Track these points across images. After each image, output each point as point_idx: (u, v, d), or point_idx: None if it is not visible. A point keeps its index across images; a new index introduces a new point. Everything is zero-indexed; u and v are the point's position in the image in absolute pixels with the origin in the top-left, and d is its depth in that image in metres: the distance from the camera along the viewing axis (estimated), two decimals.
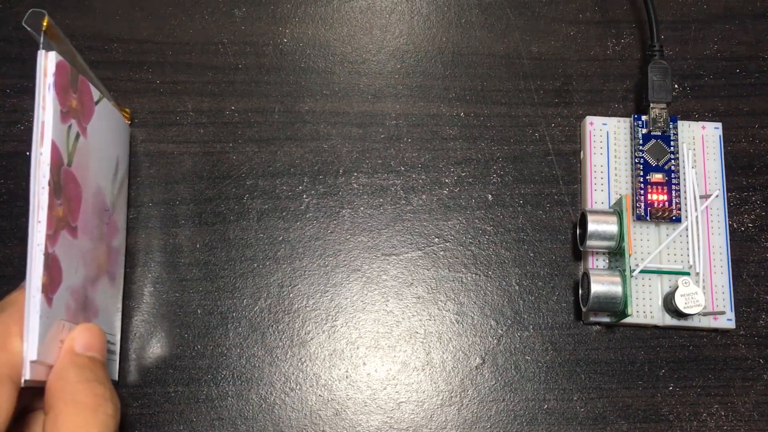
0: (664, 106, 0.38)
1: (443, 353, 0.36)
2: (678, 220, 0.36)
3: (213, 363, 0.35)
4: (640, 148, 0.37)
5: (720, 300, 0.36)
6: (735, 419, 0.35)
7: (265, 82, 0.40)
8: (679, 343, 0.36)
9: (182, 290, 0.36)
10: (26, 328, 0.25)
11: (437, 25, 0.41)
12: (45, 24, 0.27)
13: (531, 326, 0.36)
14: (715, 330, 0.36)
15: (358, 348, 0.36)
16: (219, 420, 0.35)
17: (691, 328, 0.36)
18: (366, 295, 0.37)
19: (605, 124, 0.38)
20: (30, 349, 0.25)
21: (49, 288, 0.26)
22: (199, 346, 0.36)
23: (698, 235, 0.36)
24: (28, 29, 0.27)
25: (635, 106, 0.40)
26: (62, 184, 0.27)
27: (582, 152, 0.39)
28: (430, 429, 0.35)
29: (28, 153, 0.38)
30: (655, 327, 0.36)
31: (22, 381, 0.24)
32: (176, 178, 0.38)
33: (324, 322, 0.36)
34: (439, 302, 0.37)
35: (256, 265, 0.37)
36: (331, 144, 0.39)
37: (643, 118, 0.38)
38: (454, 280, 0.37)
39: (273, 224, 0.38)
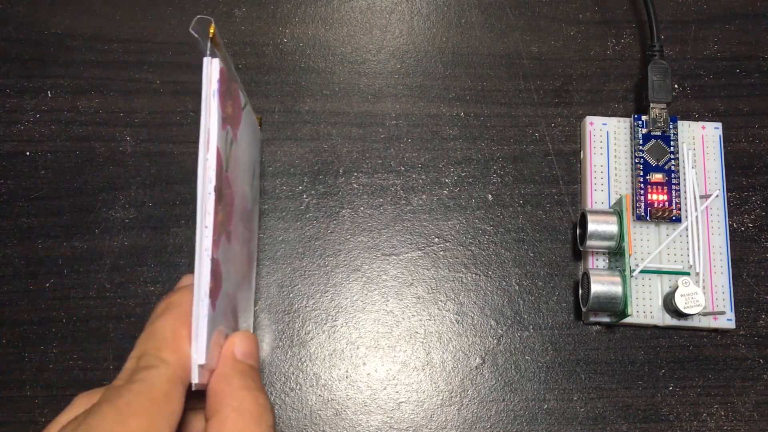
0: (664, 106, 0.38)
1: (443, 353, 0.36)
2: (678, 220, 0.36)
3: None
4: (640, 148, 0.37)
5: (720, 300, 0.36)
6: (735, 419, 0.35)
7: (265, 82, 0.40)
8: (679, 343, 0.36)
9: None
10: (195, 333, 0.25)
11: (437, 25, 0.41)
12: (212, 31, 0.27)
13: (531, 326, 0.36)
14: (715, 330, 0.36)
15: (358, 348, 0.36)
16: None
17: (691, 328, 0.36)
18: (366, 295, 0.37)
19: (605, 124, 0.38)
20: (199, 354, 0.24)
21: (214, 293, 0.26)
22: None
23: (698, 235, 0.36)
24: (195, 35, 0.27)
25: (635, 106, 0.40)
26: (223, 190, 0.27)
27: (582, 152, 0.39)
28: (430, 429, 0.35)
29: (28, 153, 0.38)
30: (655, 327, 0.36)
31: (193, 385, 0.24)
32: (176, 178, 0.38)
33: (324, 322, 0.36)
34: (439, 302, 0.37)
35: (256, 265, 0.37)
36: (331, 144, 0.39)
37: (643, 118, 0.38)
38: (454, 280, 0.37)
39: (273, 224, 0.38)
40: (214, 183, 0.26)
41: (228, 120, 0.28)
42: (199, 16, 0.27)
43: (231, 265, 0.29)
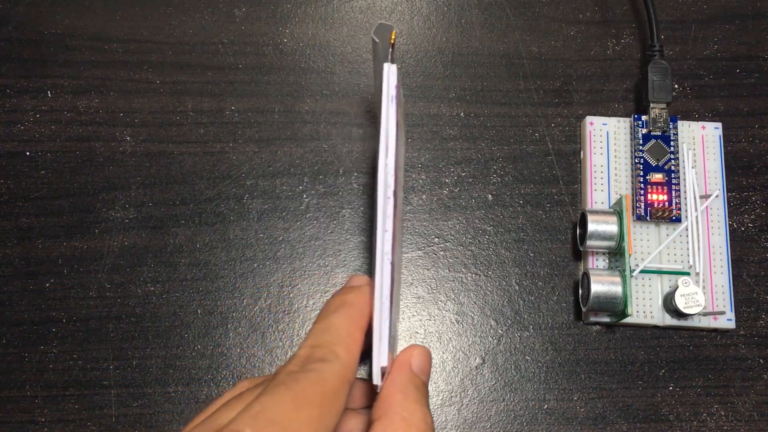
0: (664, 106, 0.38)
1: (443, 353, 0.36)
2: (678, 220, 0.36)
3: (213, 363, 0.35)
4: (640, 148, 0.37)
5: (720, 300, 0.36)
6: (735, 419, 0.35)
7: (265, 82, 0.40)
8: (679, 343, 0.36)
9: (182, 290, 0.36)
10: (377, 336, 0.25)
11: (437, 25, 0.41)
12: (393, 38, 0.27)
13: (531, 326, 0.36)
14: (715, 330, 0.36)
15: None
16: None
17: (691, 328, 0.36)
18: None
19: (605, 124, 0.38)
20: (381, 356, 0.25)
21: (391, 297, 0.26)
22: (199, 346, 0.36)
23: (698, 235, 0.36)
24: (376, 40, 0.27)
25: (635, 106, 0.40)
26: (397, 194, 0.27)
27: (582, 152, 0.39)
28: None
29: (28, 153, 0.38)
30: (655, 327, 0.36)
31: (377, 387, 0.25)
32: (176, 178, 0.38)
33: None
34: (439, 302, 0.37)
35: (256, 265, 0.37)
36: (331, 144, 0.39)
37: (643, 118, 0.38)
38: (454, 280, 0.37)
39: (273, 224, 0.38)
40: (392, 187, 0.26)
41: (398, 125, 0.28)
42: (381, 22, 0.27)
43: (395, 268, 0.29)
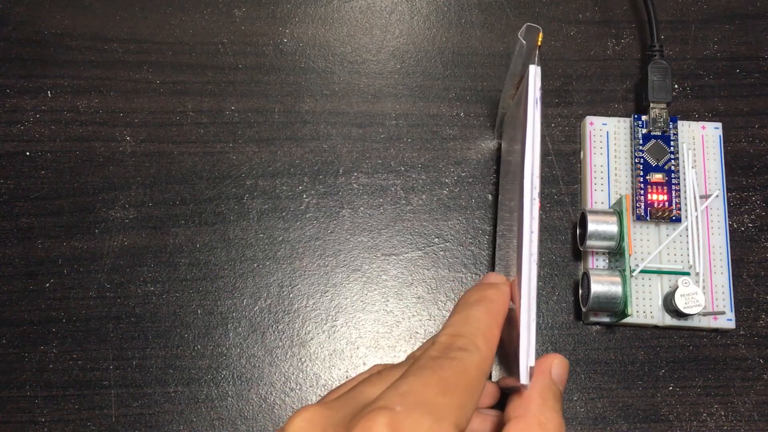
0: (664, 106, 0.38)
1: None
2: (678, 220, 0.36)
3: (213, 363, 0.35)
4: (640, 148, 0.37)
5: (720, 300, 0.36)
6: (735, 419, 0.35)
7: (265, 82, 0.40)
8: (679, 343, 0.36)
9: (182, 290, 0.36)
10: (524, 335, 0.25)
11: (437, 25, 0.41)
12: (540, 39, 0.27)
13: None
14: (715, 330, 0.36)
15: (358, 348, 0.36)
16: (219, 420, 0.35)
17: (691, 328, 0.36)
18: (366, 295, 0.37)
19: (605, 124, 0.38)
20: (530, 356, 0.25)
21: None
22: (199, 346, 0.36)
23: (698, 235, 0.36)
24: (523, 42, 0.27)
25: (635, 106, 0.40)
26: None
27: (582, 152, 0.39)
28: None
29: (28, 153, 0.38)
30: (655, 327, 0.36)
31: (524, 387, 0.25)
32: (176, 178, 0.38)
33: (324, 322, 0.36)
34: (439, 302, 0.37)
35: (256, 265, 0.37)
36: (331, 144, 0.39)
37: (643, 118, 0.38)
38: (454, 280, 0.37)
39: (273, 224, 0.38)
40: (538, 189, 0.26)
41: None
42: (528, 24, 0.27)
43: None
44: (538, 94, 0.27)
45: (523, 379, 0.25)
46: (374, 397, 0.22)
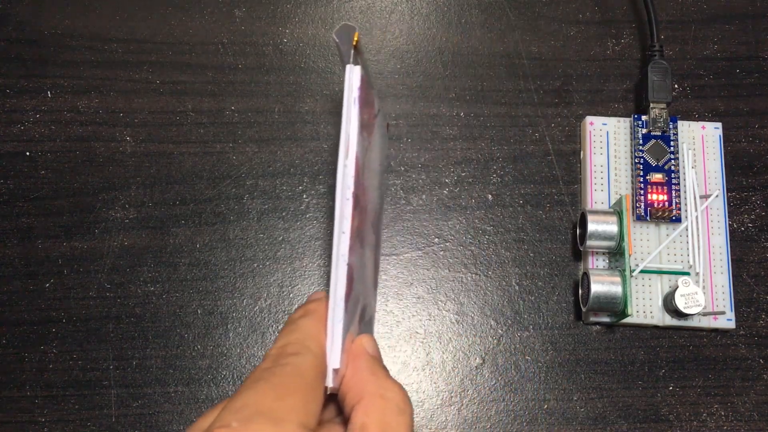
0: (664, 106, 0.38)
1: (443, 353, 0.36)
2: (678, 220, 0.36)
3: (213, 363, 0.35)
4: (640, 148, 0.37)
5: (720, 300, 0.36)
6: (735, 419, 0.35)
7: (265, 82, 0.40)
8: (679, 343, 0.36)
9: (182, 290, 0.36)
10: (330, 337, 0.25)
11: (437, 25, 0.41)
12: (356, 39, 0.27)
13: (531, 326, 0.36)
14: (715, 330, 0.36)
15: None
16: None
17: (691, 328, 0.36)
18: None
19: (605, 124, 0.38)
20: (334, 358, 0.25)
21: (347, 298, 0.26)
22: (199, 346, 0.36)
23: (698, 235, 0.36)
24: (337, 41, 0.27)
25: (635, 106, 0.40)
26: (359, 196, 0.27)
27: (582, 152, 0.39)
28: (430, 429, 0.35)
29: (28, 153, 0.38)
30: (655, 327, 0.36)
31: (327, 389, 0.25)
32: (176, 178, 0.38)
33: None
34: (439, 302, 0.37)
35: (256, 265, 0.37)
36: (331, 144, 0.39)
37: (643, 118, 0.38)
38: (454, 280, 0.37)
39: (273, 224, 0.38)
40: (352, 189, 0.26)
41: (365, 126, 0.28)
42: (343, 23, 0.27)
43: (362, 269, 0.29)
44: (356, 94, 0.27)
45: (328, 381, 0.25)
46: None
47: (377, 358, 0.27)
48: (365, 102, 0.28)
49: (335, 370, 0.25)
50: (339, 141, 0.26)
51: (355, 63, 0.27)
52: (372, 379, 0.25)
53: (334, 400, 0.26)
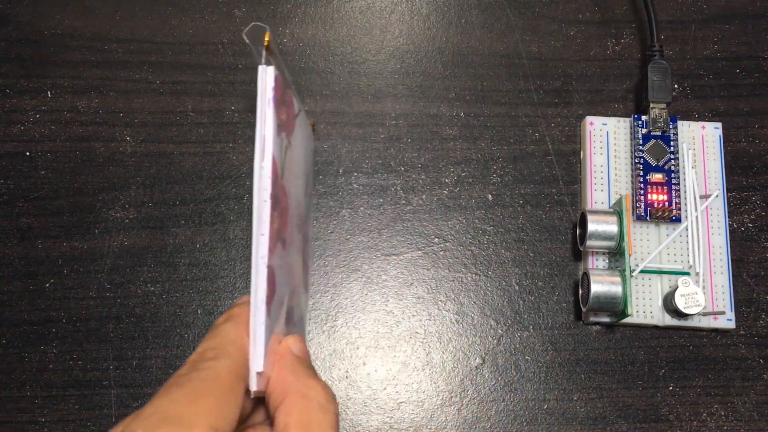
0: (664, 106, 0.38)
1: (443, 353, 0.36)
2: (678, 220, 0.36)
3: None
4: (640, 148, 0.37)
5: (720, 300, 0.36)
6: (735, 419, 0.35)
7: None
8: (679, 343, 0.36)
9: (182, 290, 0.36)
10: (252, 340, 0.25)
11: (437, 25, 0.41)
12: (267, 39, 0.27)
13: (531, 326, 0.36)
14: (715, 330, 0.36)
15: (358, 348, 0.36)
16: None
17: (691, 328, 0.36)
18: (366, 295, 0.37)
19: (605, 124, 0.38)
20: (256, 361, 0.25)
21: (269, 300, 0.26)
22: None
23: (698, 235, 0.36)
24: (247, 41, 0.27)
25: (635, 106, 0.40)
26: (279, 197, 0.27)
27: (582, 152, 0.39)
28: (430, 429, 0.35)
29: (28, 153, 0.38)
30: (655, 327, 0.36)
31: (252, 392, 0.25)
32: (176, 178, 0.38)
33: (324, 322, 0.36)
34: (439, 302, 0.37)
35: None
36: (331, 144, 0.39)
37: (643, 118, 0.38)
38: (454, 280, 0.37)
39: None
40: (269, 191, 0.26)
41: (282, 127, 0.28)
42: (254, 23, 0.27)
43: (286, 271, 0.29)
44: (270, 95, 0.27)
45: (251, 384, 0.25)
46: None
47: (302, 359, 0.27)
48: (281, 102, 0.28)
49: (259, 373, 0.25)
50: (256, 143, 0.26)
51: (268, 63, 0.27)
52: (293, 379, 0.25)
53: (264, 402, 0.26)
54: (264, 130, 0.27)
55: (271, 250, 0.26)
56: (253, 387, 0.25)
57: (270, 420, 0.26)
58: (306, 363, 0.27)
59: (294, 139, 0.31)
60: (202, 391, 0.23)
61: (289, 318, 0.30)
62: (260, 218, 0.26)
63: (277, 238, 0.27)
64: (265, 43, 0.27)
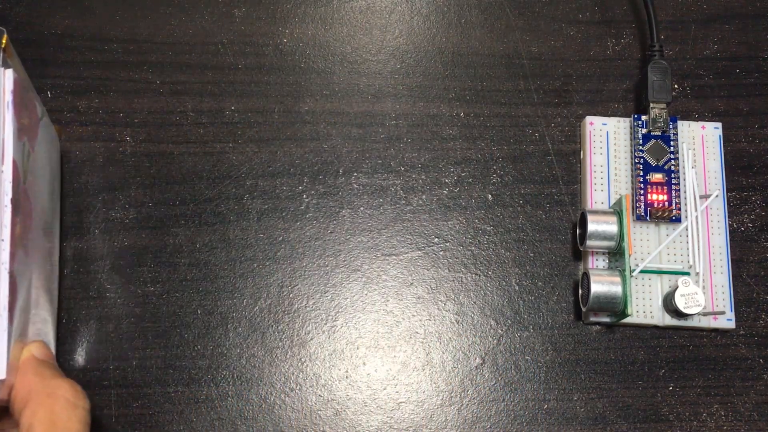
0: (664, 106, 0.38)
1: (443, 353, 0.36)
2: (678, 220, 0.36)
3: (213, 363, 0.35)
4: (640, 148, 0.37)
5: (720, 300, 0.36)
6: (735, 419, 0.35)
7: (265, 82, 0.40)
8: (679, 343, 0.36)
9: (182, 290, 0.36)
10: None
11: (437, 25, 0.41)
12: (4, 42, 0.27)
13: (531, 326, 0.36)
14: (715, 330, 0.36)
15: (358, 348, 0.36)
16: (219, 420, 0.35)
17: (691, 328, 0.36)
18: (366, 295, 0.37)
19: (605, 124, 0.38)
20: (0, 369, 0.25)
21: (11, 307, 0.26)
22: (199, 346, 0.36)
23: (698, 235, 0.36)
24: None
25: (635, 106, 0.40)
26: (21, 202, 0.27)
27: (582, 152, 0.39)
28: (430, 429, 0.35)
29: None
30: (655, 327, 0.36)
31: (3, 401, 0.25)
32: (176, 178, 0.38)
33: (324, 322, 0.36)
34: (439, 302, 0.37)
35: (256, 265, 0.37)
36: (331, 144, 0.39)
37: (643, 118, 0.38)
38: (454, 280, 0.37)
39: (273, 224, 0.38)
40: (10, 195, 0.26)
41: (24, 131, 0.28)
42: None
43: (28, 277, 0.29)
44: (8, 98, 0.27)
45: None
46: None
47: (45, 361, 0.27)
48: (21, 106, 0.28)
49: (1, 381, 0.25)
50: None
51: (6, 66, 0.27)
52: (37, 380, 0.25)
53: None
54: (3, 133, 0.27)
55: (13, 255, 0.26)
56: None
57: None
58: (50, 365, 0.27)
59: (38, 144, 0.31)
60: None
61: (33, 325, 0.30)
62: (2, 224, 0.26)
63: (20, 244, 0.27)
64: (3, 46, 0.27)
